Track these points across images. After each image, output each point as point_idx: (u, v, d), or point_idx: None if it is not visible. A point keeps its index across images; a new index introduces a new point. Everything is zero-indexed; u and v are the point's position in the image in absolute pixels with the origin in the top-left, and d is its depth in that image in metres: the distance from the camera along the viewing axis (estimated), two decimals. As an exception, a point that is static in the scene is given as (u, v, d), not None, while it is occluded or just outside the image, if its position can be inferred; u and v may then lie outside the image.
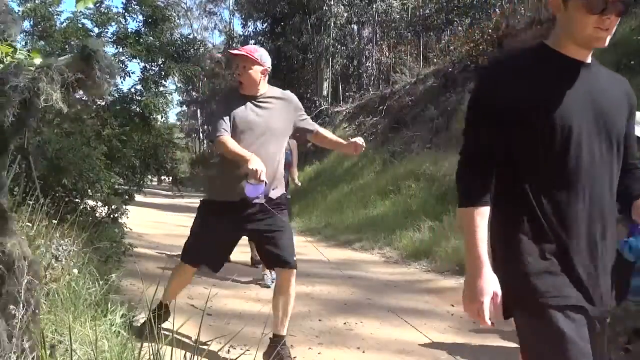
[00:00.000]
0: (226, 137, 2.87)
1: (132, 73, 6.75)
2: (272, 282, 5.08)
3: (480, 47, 12.00)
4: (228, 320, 3.84)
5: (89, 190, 5.11)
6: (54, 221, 3.41)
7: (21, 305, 2.01)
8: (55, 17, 6.33)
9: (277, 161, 3.01)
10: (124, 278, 4.18)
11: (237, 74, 3.00)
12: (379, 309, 4.41)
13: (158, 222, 10.15)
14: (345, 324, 3.98)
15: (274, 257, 2.98)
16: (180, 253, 3.17)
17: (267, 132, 2.96)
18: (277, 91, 3.15)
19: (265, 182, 2.68)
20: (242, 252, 6.96)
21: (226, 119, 2.91)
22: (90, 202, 5.42)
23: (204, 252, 3.04)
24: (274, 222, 2.93)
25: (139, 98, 6.72)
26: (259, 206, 2.88)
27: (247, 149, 2.82)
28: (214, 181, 3.09)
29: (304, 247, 8.15)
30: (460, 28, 15.67)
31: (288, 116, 3.09)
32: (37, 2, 6.38)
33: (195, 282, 5.06)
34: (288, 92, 3.23)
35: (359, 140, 3.08)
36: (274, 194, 2.99)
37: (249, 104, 2.97)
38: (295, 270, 3.00)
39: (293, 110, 3.13)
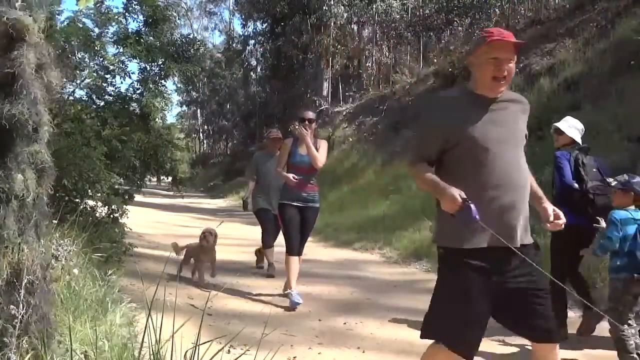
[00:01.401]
0: (418, 169, 2.17)
1: (132, 73, 6.76)
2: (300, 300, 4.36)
3: (480, 47, 11.99)
4: (228, 320, 3.84)
5: (89, 191, 5.11)
6: (54, 221, 3.41)
7: (21, 305, 2.01)
8: (55, 16, 6.33)
9: (528, 186, 2.18)
10: (124, 278, 4.18)
11: (501, 69, 2.09)
12: (379, 309, 4.41)
13: (158, 222, 10.15)
14: (345, 324, 3.98)
15: (537, 328, 2.12)
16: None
17: (514, 147, 2.18)
18: (511, 92, 2.28)
19: (467, 201, 1.97)
20: (242, 252, 6.97)
21: (435, 138, 2.14)
22: (90, 202, 5.42)
23: (469, 331, 2.07)
24: (536, 277, 2.09)
25: (138, 97, 6.72)
26: (512, 254, 2.05)
27: (492, 174, 2.06)
28: (447, 220, 2.09)
29: (304, 247, 8.16)
30: (460, 28, 15.68)
31: (525, 126, 2.27)
32: (37, 1, 6.38)
33: (195, 283, 5.06)
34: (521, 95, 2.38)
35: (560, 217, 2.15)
36: (527, 237, 2.14)
37: (489, 109, 2.15)
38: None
39: (525, 121, 2.29)
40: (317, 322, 4.00)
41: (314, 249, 8.00)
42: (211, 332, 3.19)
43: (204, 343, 1.95)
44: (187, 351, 1.97)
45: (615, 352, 3.06)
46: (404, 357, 3.31)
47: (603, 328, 3.43)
